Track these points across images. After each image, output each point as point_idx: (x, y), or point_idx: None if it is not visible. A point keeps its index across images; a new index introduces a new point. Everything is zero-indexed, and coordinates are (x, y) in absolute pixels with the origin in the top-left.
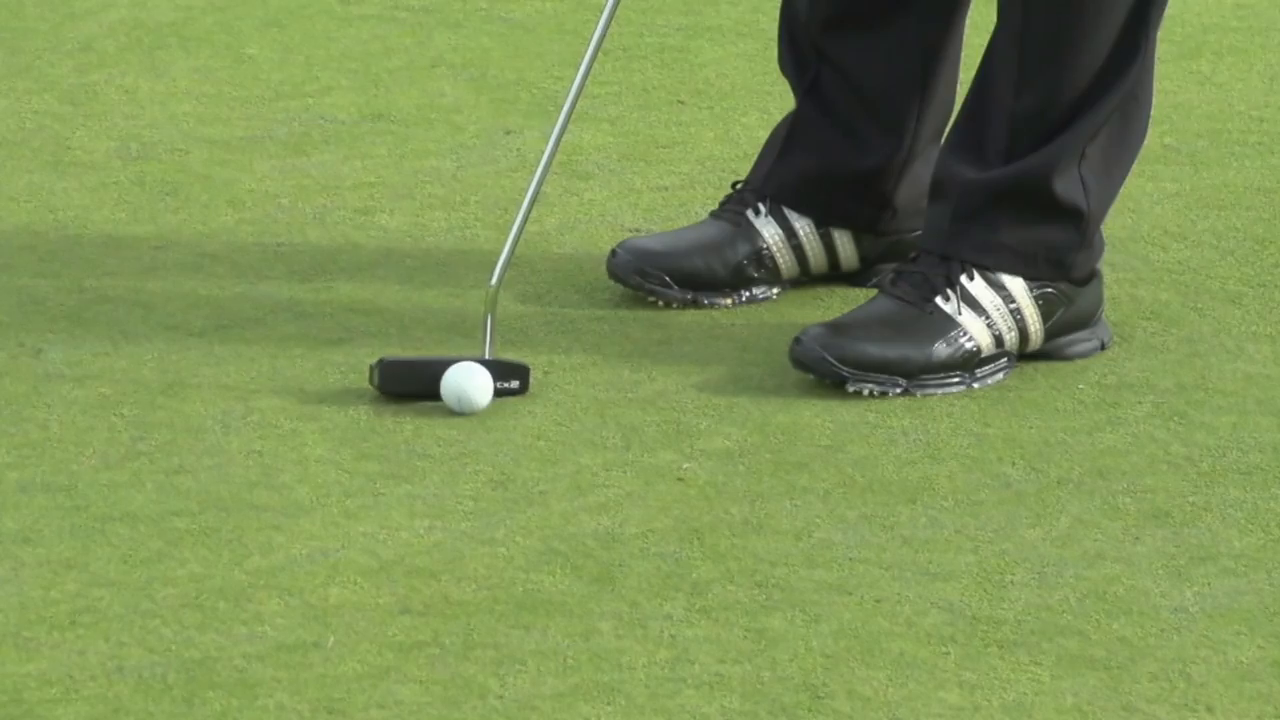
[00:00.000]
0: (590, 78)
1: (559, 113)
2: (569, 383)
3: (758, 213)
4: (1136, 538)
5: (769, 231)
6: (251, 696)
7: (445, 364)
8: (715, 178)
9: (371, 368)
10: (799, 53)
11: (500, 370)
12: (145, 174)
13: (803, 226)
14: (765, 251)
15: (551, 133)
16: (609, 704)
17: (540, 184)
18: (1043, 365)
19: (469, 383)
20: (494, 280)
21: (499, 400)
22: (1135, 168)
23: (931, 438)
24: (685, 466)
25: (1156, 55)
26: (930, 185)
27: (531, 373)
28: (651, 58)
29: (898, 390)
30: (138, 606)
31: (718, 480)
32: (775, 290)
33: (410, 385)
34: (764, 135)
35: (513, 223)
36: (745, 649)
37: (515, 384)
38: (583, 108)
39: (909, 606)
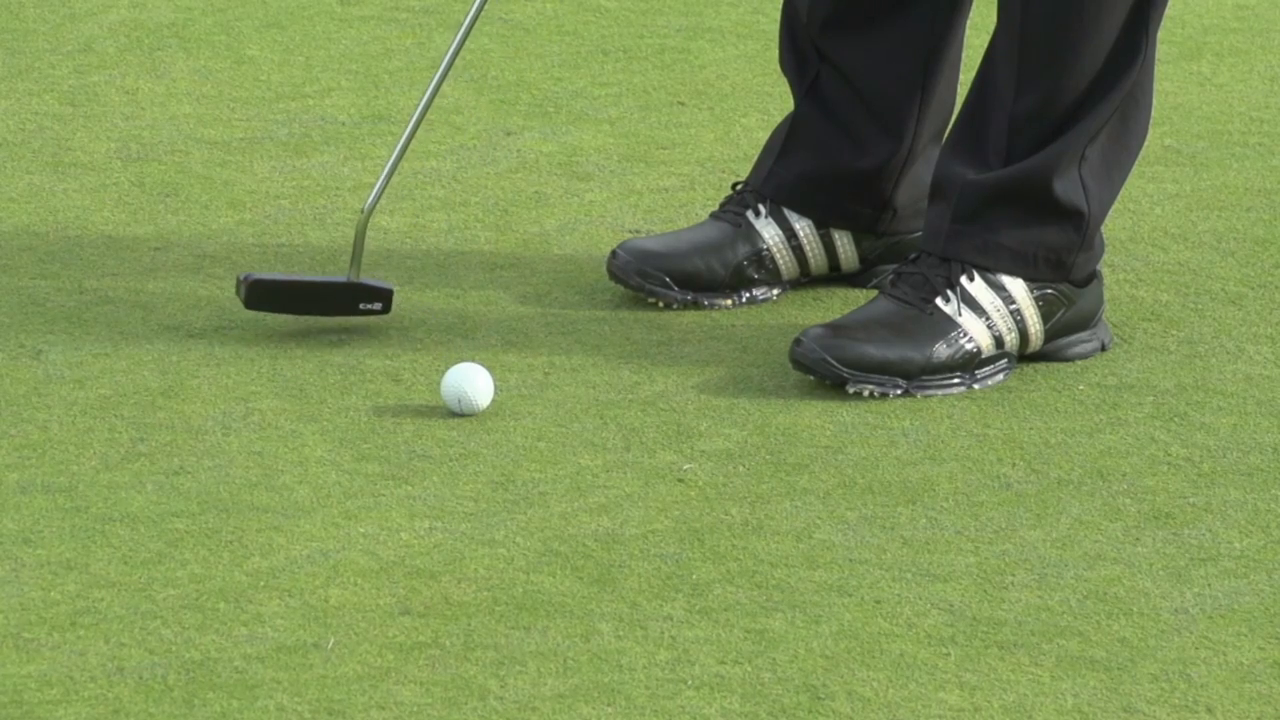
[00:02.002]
0: (590, 79)
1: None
2: (569, 384)
3: (758, 214)
4: (1137, 539)
5: (769, 232)
6: (252, 698)
7: (311, 284)
8: (715, 179)
9: (239, 281)
10: (800, 53)
11: (362, 293)
12: (145, 175)
13: (803, 227)
14: (765, 252)
15: (427, 87)
16: (609, 705)
17: (417, 124)
18: (1043, 366)
19: (469, 384)
20: (366, 206)
21: (499, 401)
22: (1135, 169)
23: (932, 439)
24: (685, 467)
25: (1156, 56)
26: (930, 186)
27: (394, 295)
28: (652, 59)
29: (898, 391)
30: (138, 607)
31: (718, 481)
32: (775, 291)
33: (275, 303)
34: (764, 136)
35: (394, 148)
36: (745, 650)
37: (377, 306)
38: (582, 108)
39: (909, 607)
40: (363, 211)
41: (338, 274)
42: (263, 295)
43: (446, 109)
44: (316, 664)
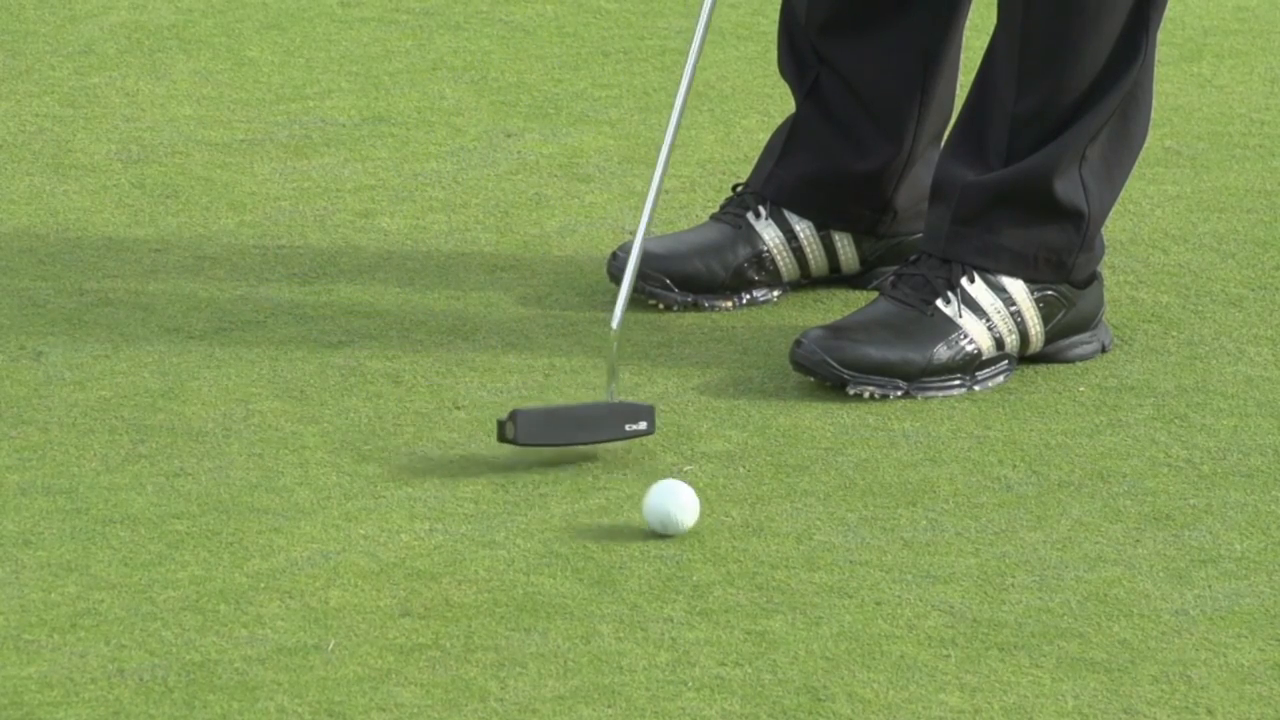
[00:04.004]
0: (591, 80)
1: (675, 127)
2: (569, 385)
3: (758, 215)
4: (1137, 540)
5: (769, 234)
6: (252, 699)
7: (579, 410)
8: (716, 180)
9: (503, 423)
10: (799, 56)
11: (627, 413)
12: (146, 177)
13: (803, 229)
14: (765, 254)
15: (660, 156)
16: (609, 706)
17: (654, 206)
18: (1043, 368)
19: (673, 501)
20: (615, 323)
21: (499, 403)
22: (1136, 170)
23: (932, 440)
24: (686, 469)
25: (1156, 57)
26: (930, 187)
27: (656, 411)
28: (652, 60)
29: (898, 393)
30: (138, 609)
31: (718, 483)
32: (775, 293)
33: (546, 434)
34: (764, 138)
35: (629, 262)
36: (746, 651)
37: (643, 425)
38: (583, 110)
39: (909, 609)
40: (613, 328)
41: (597, 396)
42: (534, 428)
43: (447, 111)
44: (317, 665)
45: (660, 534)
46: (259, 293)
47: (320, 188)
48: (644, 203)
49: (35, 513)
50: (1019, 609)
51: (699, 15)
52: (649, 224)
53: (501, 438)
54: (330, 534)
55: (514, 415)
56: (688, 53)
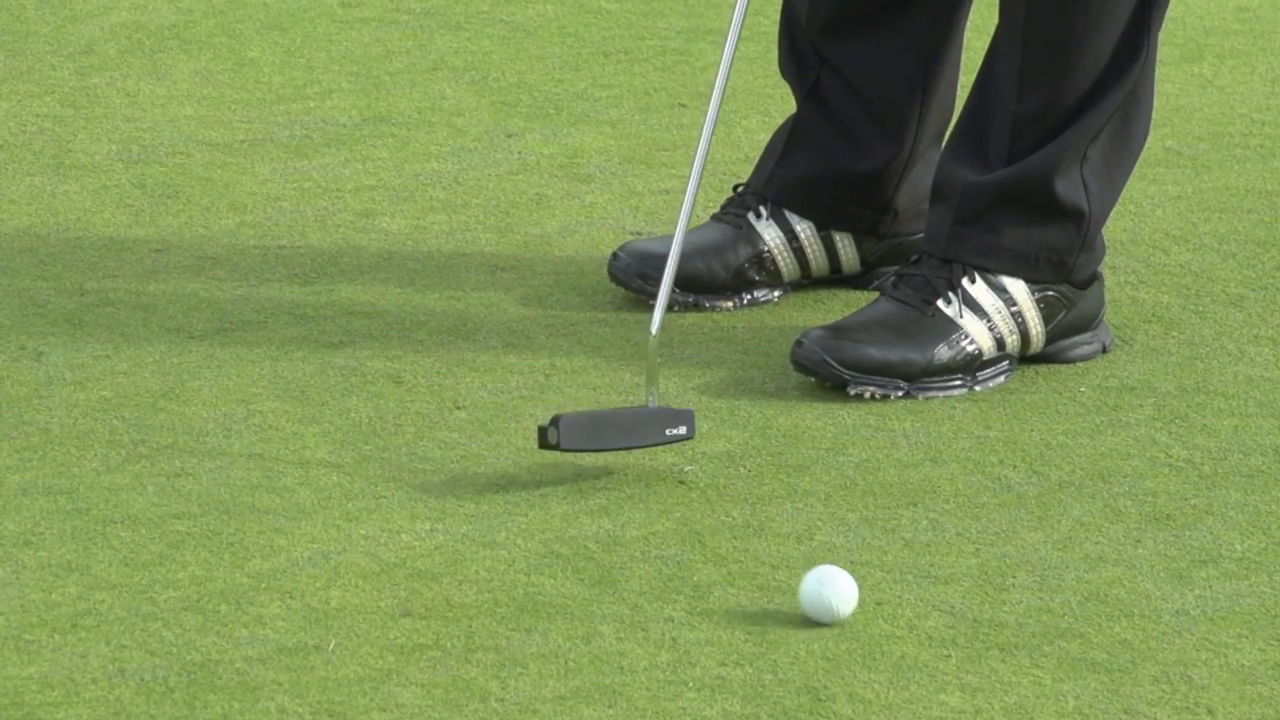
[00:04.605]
0: (591, 80)
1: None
2: (570, 385)
3: (759, 215)
4: (1138, 540)
5: (770, 234)
6: (253, 699)
7: (621, 415)
8: (717, 180)
9: (544, 429)
10: (799, 56)
11: (667, 418)
12: (146, 177)
13: (804, 229)
14: (766, 254)
15: (697, 155)
16: (610, 706)
17: (689, 212)
18: (1044, 368)
19: (832, 588)
20: (654, 328)
21: (499, 403)
22: (1136, 170)
23: (933, 440)
24: (686, 469)
25: (1158, 57)
26: (931, 188)
27: (694, 416)
28: (653, 60)
29: (899, 393)
30: (139, 609)
31: (719, 483)
32: (776, 293)
33: (589, 439)
34: (765, 138)
35: (666, 267)
36: (746, 652)
37: (682, 430)
38: (584, 110)
39: (910, 609)
40: (651, 334)
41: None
42: (577, 434)
43: (447, 111)
44: (318, 666)
45: (816, 620)
46: (259, 293)
47: (320, 188)
48: (680, 204)
49: (35, 513)
50: (1019, 609)
51: (731, 21)
52: (686, 225)
53: (543, 444)
54: (331, 534)
55: (556, 421)
56: (720, 57)
